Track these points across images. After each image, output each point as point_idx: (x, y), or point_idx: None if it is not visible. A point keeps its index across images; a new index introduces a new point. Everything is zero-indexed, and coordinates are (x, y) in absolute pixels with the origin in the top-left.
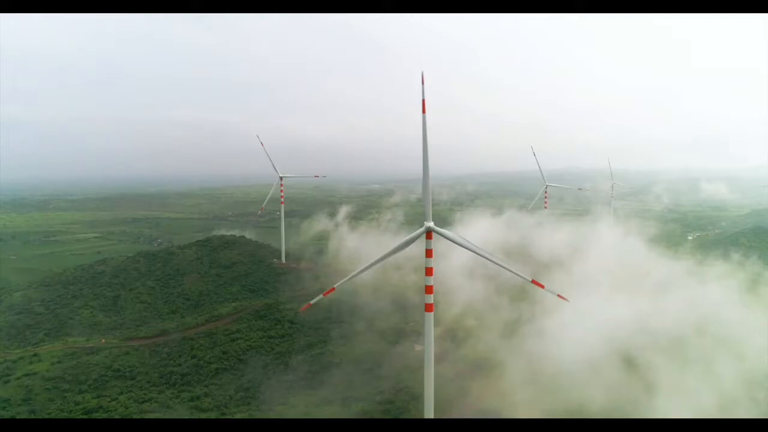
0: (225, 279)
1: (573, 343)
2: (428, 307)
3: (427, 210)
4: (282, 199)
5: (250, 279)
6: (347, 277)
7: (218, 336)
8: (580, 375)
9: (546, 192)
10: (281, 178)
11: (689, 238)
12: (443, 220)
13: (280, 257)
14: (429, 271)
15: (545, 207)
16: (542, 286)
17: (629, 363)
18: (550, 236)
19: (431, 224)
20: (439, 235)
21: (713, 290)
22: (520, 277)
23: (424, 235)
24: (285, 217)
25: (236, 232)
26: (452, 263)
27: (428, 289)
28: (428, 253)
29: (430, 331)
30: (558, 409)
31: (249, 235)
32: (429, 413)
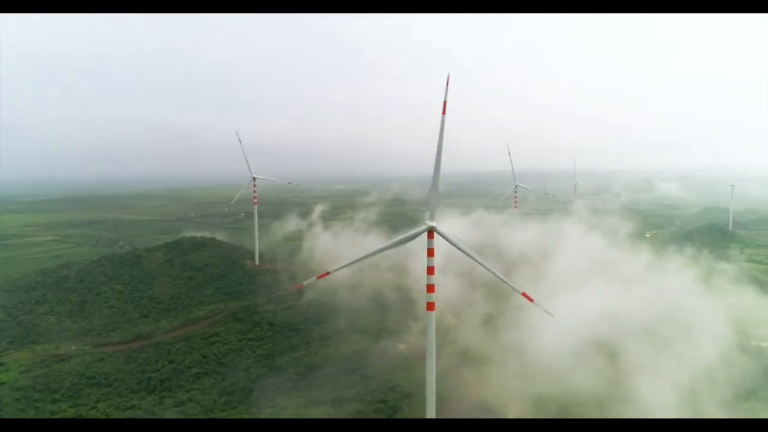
0: (197, 282)
1: (555, 335)
2: (430, 306)
3: (432, 210)
4: (255, 200)
5: (224, 281)
6: (346, 264)
7: (196, 340)
8: (565, 364)
9: (516, 191)
10: (254, 178)
11: (647, 235)
12: (412, 220)
13: (253, 259)
14: (430, 270)
15: (515, 207)
16: (531, 300)
17: (609, 350)
18: (523, 235)
19: (433, 224)
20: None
21: (674, 283)
22: (511, 287)
23: (426, 234)
24: (252, 219)
25: (206, 234)
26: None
27: (430, 288)
28: (430, 252)
29: (432, 330)
30: (549, 397)
31: (219, 236)
32: (431, 413)
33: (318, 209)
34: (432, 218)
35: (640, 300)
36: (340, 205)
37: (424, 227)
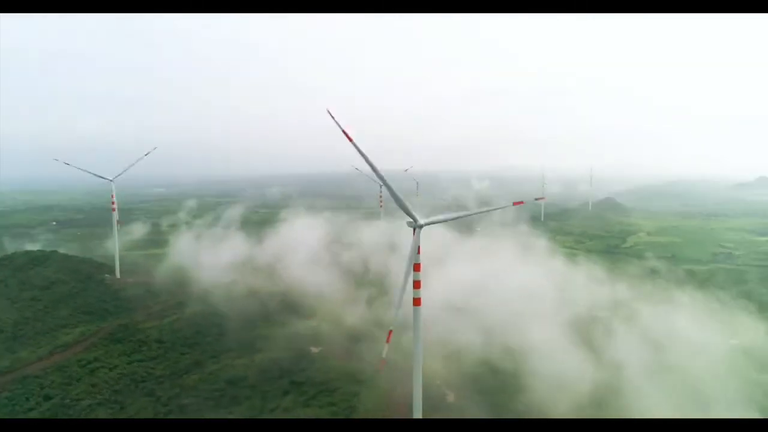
0: (45, 303)
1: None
2: (416, 302)
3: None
4: (113, 206)
5: (82, 300)
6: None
7: (72, 368)
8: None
9: (381, 192)
10: (111, 181)
11: (477, 229)
12: (267, 222)
13: (112, 272)
14: (417, 267)
15: (381, 206)
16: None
17: (477, 316)
18: (377, 231)
19: (423, 221)
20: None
21: (505, 260)
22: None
23: (413, 231)
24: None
25: (43, 247)
26: (302, 255)
27: (416, 284)
28: (417, 249)
29: (419, 327)
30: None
31: (62, 248)
32: (418, 413)
33: (156, 214)
34: (419, 218)
35: (486, 275)
36: (171, 210)
37: (417, 232)
